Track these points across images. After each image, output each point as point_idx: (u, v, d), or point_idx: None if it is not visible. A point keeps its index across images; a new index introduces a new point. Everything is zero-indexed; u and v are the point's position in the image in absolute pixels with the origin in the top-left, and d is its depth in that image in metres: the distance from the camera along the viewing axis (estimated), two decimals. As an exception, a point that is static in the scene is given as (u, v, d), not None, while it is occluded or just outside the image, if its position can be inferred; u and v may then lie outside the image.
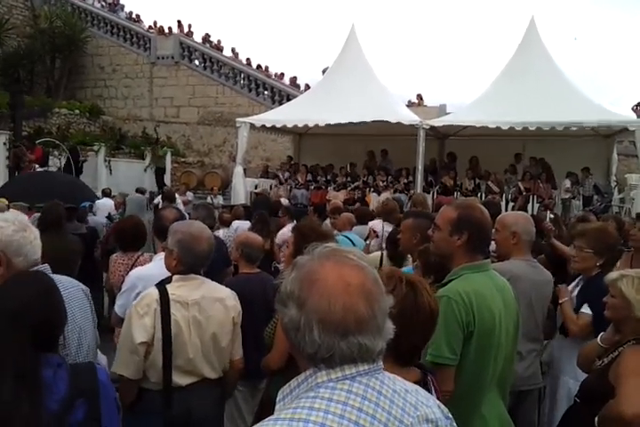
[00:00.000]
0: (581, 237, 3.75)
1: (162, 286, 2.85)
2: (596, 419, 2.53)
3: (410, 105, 19.88)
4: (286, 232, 7.04)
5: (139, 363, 2.75)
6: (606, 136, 15.08)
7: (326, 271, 1.25)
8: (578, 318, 3.54)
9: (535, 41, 14.65)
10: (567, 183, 13.96)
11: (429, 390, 1.81)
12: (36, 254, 2.32)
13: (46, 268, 2.41)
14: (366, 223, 7.61)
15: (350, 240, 6.07)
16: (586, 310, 3.54)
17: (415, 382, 1.77)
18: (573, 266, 3.74)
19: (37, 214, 6.42)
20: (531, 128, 12.70)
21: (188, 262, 2.86)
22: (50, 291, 1.95)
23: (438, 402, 1.41)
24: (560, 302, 3.65)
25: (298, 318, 1.23)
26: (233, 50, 26.79)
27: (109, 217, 7.49)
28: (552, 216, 12.68)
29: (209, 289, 2.95)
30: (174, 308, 2.77)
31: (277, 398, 1.30)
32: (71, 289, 2.47)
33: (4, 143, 16.91)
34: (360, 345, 1.22)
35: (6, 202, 7.43)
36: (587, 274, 3.70)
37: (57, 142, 18.35)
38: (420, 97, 22.11)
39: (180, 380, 2.81)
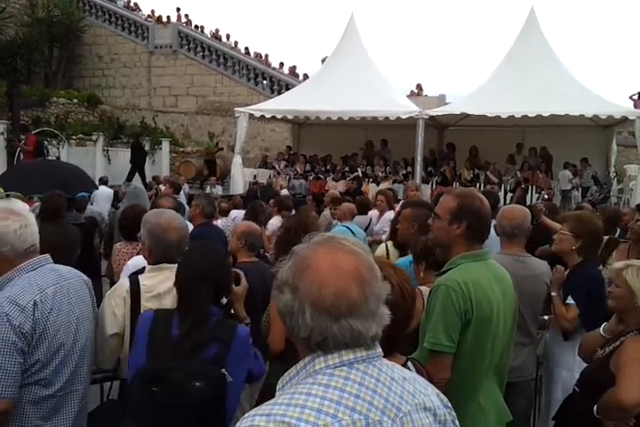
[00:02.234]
0: (563, 222, 3.94)
1: (134, 276, 2.84)
2: (596, 407, 2.55)
3: (409, 95, 19.82)
4: (274, 223, 7.08)
5: (111, 354, 2.74)
6: (605, 126, 15.07)
7: (319, 257, 1.27)
8: (567, 311, 3.55)
9: (535, 31, 14.61)
10: (568, 174, 13.96)
11: None
12: (25, 243, 2.30)
13: (47, 257, 2.41)
14: (366, 213, 7.64)
15: (351, 230, 6.08)
16: (571, 301, 3.57)
17: None
18: (553, 248, 3.85)
19: (38, 204, 6.42)
20: (530, 116, 12.67)
21: (160, 253, 2.84)
22: (224, 260, 2.52)
23: (437, 391, 1.41)
24: (552, 294, 3.66)
25: (292, 302, 1.25)
26: (228, 36, 26.65)
27: (114, 206, 7.40)
28: (546, 197, 12.76)
29: None
30: (144, 298, 2.75)
31: (277, 387, 1.31)
32: (71, 280, 2.46)
33: (2, 133, 16.84)
34: (352, 329, 1.23)
35: (2, 191, 7.43)
36: (566, 257, 3.77)
37: (55, 132, 18.28)
38: (419, 87, 22.05)
39: None
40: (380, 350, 1.30)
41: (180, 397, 2.11)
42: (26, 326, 2.17)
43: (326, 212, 8.11)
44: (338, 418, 1.16)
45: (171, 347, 2.23)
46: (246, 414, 1.20)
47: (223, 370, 2.20)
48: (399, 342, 1.93)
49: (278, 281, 1.31)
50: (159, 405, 2.14)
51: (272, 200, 8.29)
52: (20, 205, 2.42)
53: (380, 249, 4.61)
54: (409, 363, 1.95)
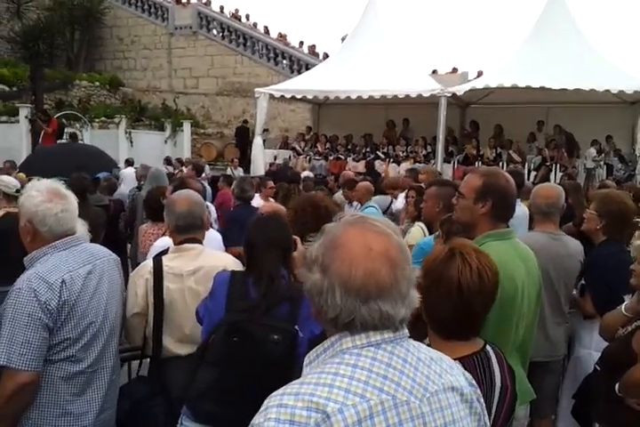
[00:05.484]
0: (591, 201, 4.00)
1: (158, 257, 2.90)
2: (618, 385, 2.54)
3: (431, 73, 19.55)
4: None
5: (134, 333, 2.83)
6: (632, 103, 14.76)
7: (349, 237, 1.27)
8: (584, 301, 3.59)
9: (560, 6, 14.26)
10: (593, 152, 13.74)
11: (486, 364, 1.85)
12: (61, 227, 2.38)
13: (79, 237, 2.48)
14: (386, 193, 7.63)
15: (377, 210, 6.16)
16: (583, 282, 3.62)
17: (463, 357, 1.79)
18: (582, 227, 3.88)
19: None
20: (554, 89, 12.40)
21: (178, 226, 2.93)
22: (287, 228, 2.69)
23: (462, 370, 1.42)
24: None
25: (321, 282, 1.25)
26: (247, 16, 26.53)
27: (139, 187, 7.50)
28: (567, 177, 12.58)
29: (207, 259, 2.94)
30: (167, 279, 2.80)
31: (304, 363, 1.32)
32: (102, 259, 2.53)
33: (26, 116, 17.04)
34: (381, 311, 1.23)
35: (24, 177, 7.58)
36: (593, 237, 3.76)
37: (78, 115, 18.43)
38: (443, 66, 21.74)
39: (178, 350, 2.83)
40: (406, 331, 1.30)
41: (259, 347, 2.35)
42: (52, 303, 2.23)
43: (338, 194, 8.02)
44: (366, 398, 1.17)
45: (249, 304, 2.44)
46: (274, 393, 1.21)
47: (296, 326, 2.42)
48: (478, 327, 1.91)
49: (308, 260, 1.30)
50: (239, 353, 2.37)
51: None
52: (59, 188, 2.47)
53: (418, 231, 4.58)
54: (487, 347, 1.92)
